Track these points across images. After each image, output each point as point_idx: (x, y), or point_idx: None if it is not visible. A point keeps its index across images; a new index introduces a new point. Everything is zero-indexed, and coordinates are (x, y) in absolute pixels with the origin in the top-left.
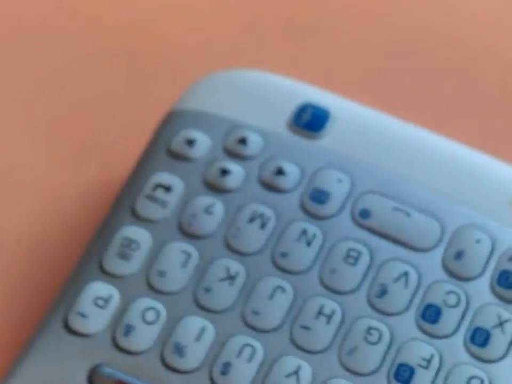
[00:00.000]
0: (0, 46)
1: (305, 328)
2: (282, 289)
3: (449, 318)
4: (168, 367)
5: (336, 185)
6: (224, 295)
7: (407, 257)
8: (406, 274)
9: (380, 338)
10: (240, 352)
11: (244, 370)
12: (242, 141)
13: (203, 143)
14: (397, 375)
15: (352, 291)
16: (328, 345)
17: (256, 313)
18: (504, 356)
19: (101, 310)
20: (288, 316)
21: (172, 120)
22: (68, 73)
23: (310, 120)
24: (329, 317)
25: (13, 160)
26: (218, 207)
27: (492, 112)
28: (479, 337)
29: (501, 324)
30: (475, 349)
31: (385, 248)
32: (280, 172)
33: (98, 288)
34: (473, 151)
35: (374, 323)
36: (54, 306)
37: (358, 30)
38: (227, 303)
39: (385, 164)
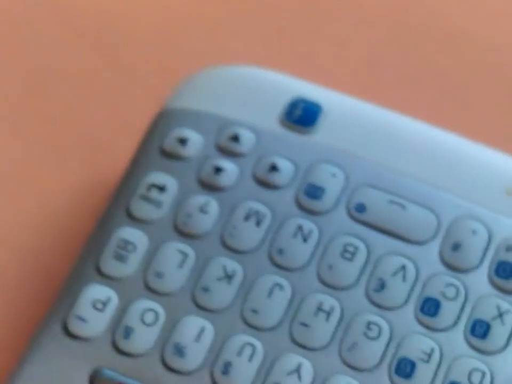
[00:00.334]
0: None
1: (305, 325)
2: (280, 286)
3: (448, 311)
4: (168, 368)
5: (331, 180)
6: (222, 294)
7: (404, 250)
8: (403, 267)
9: (380, 333)
10: (240, 351)
11: (245, 369)
12: (235, 138)
13: (195, 141)
14: (398, 370)
15: (350, 286)
16: (328, 341)
17: (255, 311)
18: (504, 347)
19: (99, 313)
20: (287, 313)
21: (164, 119)
22: (56, 73)
23: (302, 115)
24: (328, 313)
25: (2, 162)
26: (213, 206)
27: (483, 102)
28: (479, 329)
29: (500, 315)
30: (475, 341)
31: (381, 242)
32: (273, 168)
33: (96, 291)
34: (467, 140)
35: (374, 318)
36: (52, 310)
37: (344, 21)
38: (225, 302)
39: (379, 157)
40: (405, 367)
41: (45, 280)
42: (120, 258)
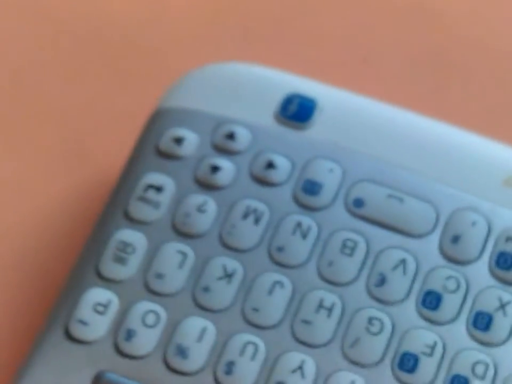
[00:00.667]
0: None
1: (306, 322)
2: (280, 284)
3: (450, 304)
4: (171, 369)
5: (328, 175)
6: (223, 293)
7: (403, 244)
8: (403, 261)
9: (382, 328)
10: (242, 351)
11: (248, 368)
12: (231, 136)
13: (191, 140)
14: (401, 364)
15: (351, 282)
16: (331, 338)
17: (256, 310)
18: (507, 338)
19: (101, 316)
20: (289, 311)
21: (159, 119)
22: (50, 74)
23: (297, 111)
24: (329, 310)
25: None
26: (211, 205)
27: (479, 93)
28: (482, 321)
29: (502, 306)
30: (478, 333)
31: (381, 236)
32: (270, 165)
33: (97, 294)
34: (463, 131)
35: (375, 313)
36: (53, 315)
37: (339, 16)
38: (226, 302)
39: (376, 151)
40: (408, 362)
41: (43, 281)
42: (120, 260)
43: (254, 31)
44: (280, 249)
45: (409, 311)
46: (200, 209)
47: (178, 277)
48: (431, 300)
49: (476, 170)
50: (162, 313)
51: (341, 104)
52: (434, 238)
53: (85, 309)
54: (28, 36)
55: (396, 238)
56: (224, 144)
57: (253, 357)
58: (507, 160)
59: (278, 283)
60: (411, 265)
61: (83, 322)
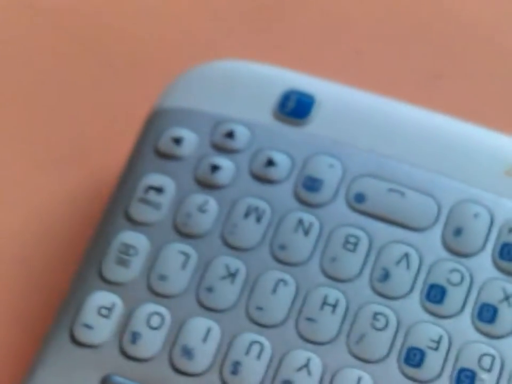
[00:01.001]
0: None
1: (311, 320)
2: (284, 282)
3: (454, 297)
4: (177, 371)
5: (328, 171)
6: (227, 293)
7: (406, 238)
8: (406, 255)
9: (387, 323)
10: (248, 350)
11: (254, 367)
12: (230, 135)
13: (190, 140)
14: (407, 359)
15: (354, 278)
16: (336, 335)
17: (260, 309)
18: None
19: (105, 320)
20: (293, 309)
21: (156, 120)
22: (49, 78)
23: (295, 107)
24: (333, 307)
25: None
26: (212, 204)
27: (474, 82)
28: (486, 314)
29: (507, 297)
30: (483, 325)
31: (383, 231)
32: (270, 162)
33: (101, 297)
34: (462, 122)
35: (380, 308)
36: (58, 319)
37: (332, 10)
38: (230, 301)
39: (375, 145)
40: (414, 356)
41: (45, 283)
42: (123, 263)
43: (243, 27)
44: (282, 247)
45: (413, 305)
46: (201, 209)
47: (182, 277)
48: (435, 294)
49: (476, 162)
50: (167, 315)
51: (339, 99)
52: (437, 231)
53: (89, 313)
54: (28, 39)
55: (398, 232)
56: (223, 143)
57: (259, 356)
58: (508, 150)
59: (282, 281)
60: (414, 259)
61: (88, 326)
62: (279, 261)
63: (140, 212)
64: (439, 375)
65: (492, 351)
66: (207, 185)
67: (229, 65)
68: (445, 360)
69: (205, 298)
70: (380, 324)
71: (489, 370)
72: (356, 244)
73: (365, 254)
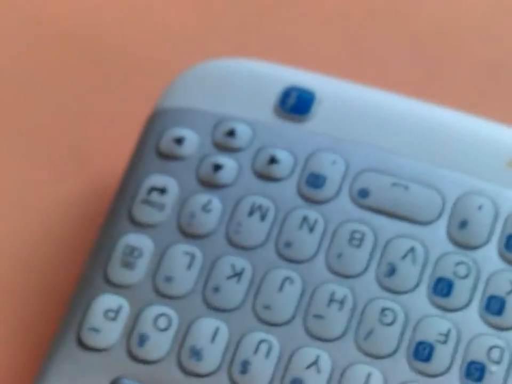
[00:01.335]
0: None
1: (319, 317)
2: (290, 280)
3: (461, 290)
4: (186, 372)
5: (331, 167)
6: (233, 292)
7: (411, 232)
8: (412, 249)
9: (395, 318)
10: (256, 349)
11: (263, 366)
12: (231, 133)
13: (191, 140)
14: (416, 354)
15: (360, 274)
16: (344, 331)
17: (267, 307)
18: None
19: (112, 323)
20: (300, 306)
21: (157, 120)
22: (48, 83)
23: (296, 104)
24: (341, 303)
25: None
26: (216, 204)
27: (473, 75)
28: (494, 306)
29: None
30: (491, 318)
31: (388, 225)
32: (273, 160)
33: (107, 300)
34: (463, 114)
35: (387, 303)
36: (64, 323)
37: (329, 6)
38: (237, 301)
39: (377, 140)
40: (423, 351)
41: (49, 286)
42: (128, 265)
43: (245, 25)
44: (287, 244)
45: (421, 299)
46: (205, 208)
47: (187, 278)
48: (442, 287)
49: (479, 154)
50: (174, 316)
51: (339, 94)
52: (442, 224)
53: (96, 316)
54: (28, 42)
55: (403, 227)
56: (225, 142)
57: (267, 355)
58: (510, 141)
59: (288, 279)
60: (420, 253)
61: (95, 330)
62: (285, 259)
63: (144, 213)
64: (449, 369)
65: (501, 343)
66: (210, 185)
67: (228, 63)
68: (454, 353)
69: (212, 298)
70: (387, 319)
71: (499, 362)
72: (361, 240)
73: (371, 249)
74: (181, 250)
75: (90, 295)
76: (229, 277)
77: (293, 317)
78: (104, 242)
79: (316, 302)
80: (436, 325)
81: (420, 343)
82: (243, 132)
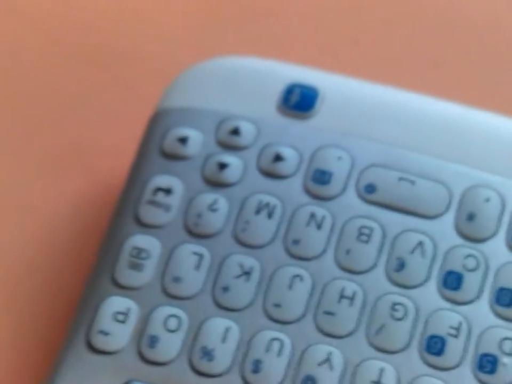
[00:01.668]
0: None
1: (329, 313)
2: (299, 277)
3: (471, 282)
4: (198, 372)
5: (337, 163)
6: (243, 292)
7: (419, 226)
8: (421, 244)
9: (406, 313)
10: (268, 348)
11: (275, 365)
12: (235, 132)
13: (195, 139)
14: (428, 348)
15: (370, 269)
16: (355, 327)
17: (277, 305)
18: None
19: (122, 325)
20: (310, 303)
21: (160, 120)
22: (51, 81)
23: (299, 100)
24: (351, 299)
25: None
26: (222, 203)
27: (474, 69)
28: (505, 297)
29: None
30: (502, 310)
31: (396, 220)
32: (278, 157)
33: (116, 303)
34: (467, 107)
35: (397, 298)
36: (74, 327)
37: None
38: (247, 300)
39: (382, 135)
40: (435, 344)
41: (53, 289)
42: (135, 267)
43: (244, 23)
44: (295, 242)
45: (431, 293)
46: (212, 208)
47: (196, 278)
48: (451, 280)
49: (484, 146)
50: (184, 317)
51: (342, 90)
52: (449, 218)
53: (105, 319)
54: (28, 44)
55: (411, 221)
56: (229, 140)
57: (279, 353)
58: None
59: (297, 276)
60: (429, 247)
61: (105, 333)
62: (293, 256)
63: (150, 214)
64: (461, 362)
65: None
66: (215, 184)
67: (229, 61)
68: (466, 346)
69: (221, 298)
70: (398, 314)
71: (511, 354)
72: (369, 235)
73: (379, 244)
74: (188, 251)
75: (99, 298)
76: (238, 276)
77: (304, 315)
78: (111, 244)
79: (326, 299)
80: (447, 318)
81: (432, 337)
82: (247, 130)
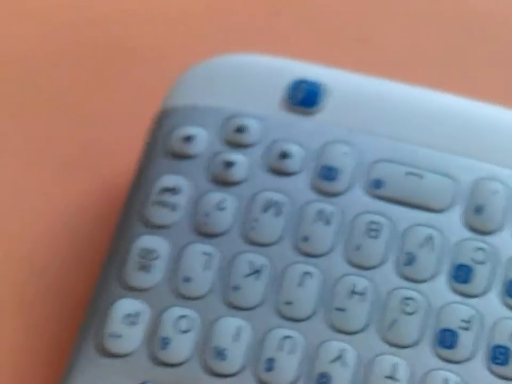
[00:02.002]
0: None
1: (341, 310)
2: (310, 274)
3: (481, 275)
4: (211, 373)
5: (344, 159)
6: (253, 290)
7: (428, 220)
8: (430, 237)
9: (417, 307)
10: (281, 346)
11: (288, 363)
12: (241, 129)
13: (201, 137)
14: (441, 341)
15: (380, 264)
16: (367, 323)
17: (288, 303)
18: None
19: (133, 327)
20: (321, 300)
21: (165, 119)
22: (55, 80)
23: (305, 97)
24: (362, 295)
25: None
26: (230, 201)
27: (479, 64)
28: None
29: None
30: None
31: (404, 215)
32: (284, 154)
33: (126, 305)
34: (473, 101)
35: (408, 293)
36: (84, 331)
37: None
38: (258, 298)
39: (389, 129)
40: (447, 338)
41: (61, 290)
42: (145, 268)
43: (247, 19)
44: (304, 239)
45: (441, 287)
46: (219, 207)
47: (206, 278)
48: (461, 274)
49: (491, 139)
50: (195, 317)
51: (348, 86)
52: (457, 211)
53: (116, 322)
54: (34, 44)
55: (419, 215)
56: (235, 138)
57: (292, 351)
58: None
59: (307, 273)
60: (438, 241)
61: (116, 336)
62: (303, 253)
63: (157, 214)
64: (474, 354)
65: None
66: (222, 182)
67: (234, 59)
68: (478, 338)
69: (232, 297)
70: (410, 308)
71: None
72: (378, 230)
73: (388, 239)
74: (197, 250)
75: (109, 301)
76: (248, 275)
77: (315, 312)
78: (119, 246)
79: (337, 295)
80: (458, 311)
81: (444, 331)
82: (253, 127)
